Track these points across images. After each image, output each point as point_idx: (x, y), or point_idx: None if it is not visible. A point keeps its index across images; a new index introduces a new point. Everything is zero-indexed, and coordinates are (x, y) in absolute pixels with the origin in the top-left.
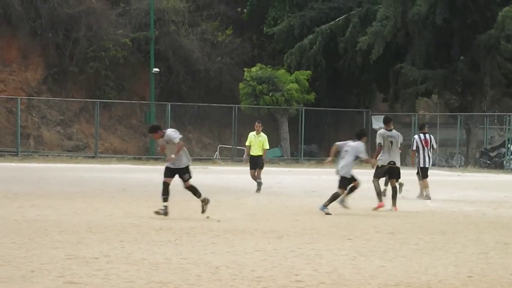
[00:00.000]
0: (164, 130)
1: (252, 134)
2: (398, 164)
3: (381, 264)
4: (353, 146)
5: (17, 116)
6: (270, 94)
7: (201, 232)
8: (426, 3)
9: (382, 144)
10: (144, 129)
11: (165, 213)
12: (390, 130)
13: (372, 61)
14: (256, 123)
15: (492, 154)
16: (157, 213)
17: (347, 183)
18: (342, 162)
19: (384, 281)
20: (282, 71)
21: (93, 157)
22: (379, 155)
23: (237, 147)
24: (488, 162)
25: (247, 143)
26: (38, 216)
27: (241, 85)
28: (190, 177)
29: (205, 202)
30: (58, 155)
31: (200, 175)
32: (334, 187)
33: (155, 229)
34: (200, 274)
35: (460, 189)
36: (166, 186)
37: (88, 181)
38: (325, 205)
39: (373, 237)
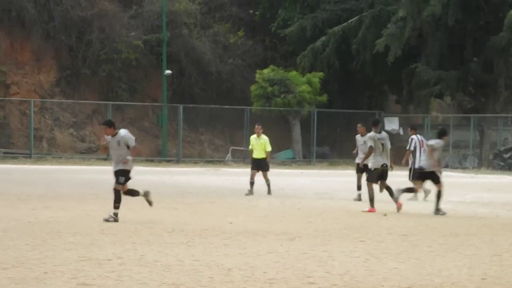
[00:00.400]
0: (117, 130)
1: (253, 137)
2: (389, 166)
3: (394, 266)
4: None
5: (31, 118)
6: (282, 96)
7: (213, 234)
8: (440, 3)
9: (374, 147)
10: (157, 131)
11: (115, 220)
12: (380, 132)
13: (387, 63)
14: (256, 126)
15: (506, 156)
16: (107, 220)
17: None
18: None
19: (397, 283)
20: (294, 72)
21: (105, 159)
22: (371, 158)
23: (249, 149)
24: (502, 163)
25: (249, 147)
26: (51, 218)
27: (253, 87)
28: (125, 182)
29: (147, 195)
30: (71, 157)
31: (212, 177)
32: (346, 189)
33: (167, 231)
34: (212, 276)
35: (473, 191)
36: (117, 193)
37: (101, 183)
38: (438, 209)
39: (386, 239)
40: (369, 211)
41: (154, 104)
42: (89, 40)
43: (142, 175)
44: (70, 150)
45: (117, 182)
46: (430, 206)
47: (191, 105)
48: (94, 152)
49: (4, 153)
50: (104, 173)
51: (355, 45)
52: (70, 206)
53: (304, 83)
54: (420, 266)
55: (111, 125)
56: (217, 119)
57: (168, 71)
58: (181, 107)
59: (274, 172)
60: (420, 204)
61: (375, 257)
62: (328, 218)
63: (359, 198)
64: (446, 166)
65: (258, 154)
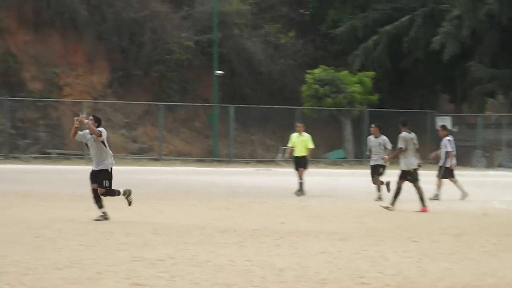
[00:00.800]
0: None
1: (294, 135)
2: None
3: (448, 266)
4: None
5: None
6: (333, 96)
7: (265, 234)
8: (497, 2)
9: (407, 148)
10: (208, 131)
11: (105, 218)
12: (410, 133)
13: (439, 61)
14: (298, 123)
15: None
16: (97, 220)
17: None
18: None
19: (451, 283)
20: (345, 72)
21: (157, 160)
22: (404, 159)
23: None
24: None
25: (289, 144)
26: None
27: (304, 87)
28: (110, 186)
29: (127, 194)
30: (123, 158)
31: (264, 177)
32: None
33: (219, 231)
34: (264, 276)
35: None
36: (95, 192)
37: (153, 183)
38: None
39: (439, 239)
40: (422, 211)
41: (205, 104)
42: (141, 41)
43: (193, 175)
44: (122, 151)
45: (102, 186)
46: (484, 205)
47: (242, 105)
48: (145, 152)
49: (58, 154)
50: (156, 174)
51: (407, 44)
52: (123, 207)
53: (355, 82)
54: (474, 266)
55: (98, 121)
56: (268, 119)
57: (219, 72)
58: (232, 107)
59: (325, 172)
60: (473, 203)
61: (428, 257)
62: (380, 218)
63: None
64: (500, 166)
65: (299, 151)
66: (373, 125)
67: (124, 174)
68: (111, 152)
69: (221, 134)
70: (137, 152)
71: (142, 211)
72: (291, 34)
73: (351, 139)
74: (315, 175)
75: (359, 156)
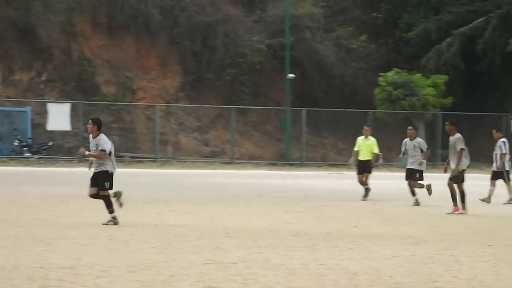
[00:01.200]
0: (100, 132)
1: (360, 138)
2: None
3: None
4: None
5: (156, 123)
6: (407, 99)
7: (338, 237)
8: None
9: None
10: (280, 135)
11: (115, 223)
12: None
13: None
14: (365, 127)
15: None
16: (106, 224)
17: None
18: None
19: None
20: (418, 75)
21: (229, 163)
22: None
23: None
24: None
25: (355, 148)
26: (176, 222)
27: (376, 90)
28: (110, 188)
29: (117, 196)
30: (195, 161)
31: (336, 180)
32: (474, 192)
33: (291, 234)
34: (337, 280)
35: None
36: (94, 197)
37: (225, 186)
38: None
39: None
40: (455, 210)
41: (277, 108)
42: (213, 45)
43: (265, 178)
44: (194, 154)
45: (103, 188)
46: None
47: (314, 109)
48: (217, 156)
49: (131, 157)
50: (228, 177)
51: (481, 45)
52: (195, 210)
53: (428, 85)
54: None
55: (99, 124)
56: (340, 123)
57: (291, 75)
58: (304, 110)
59: (398, 175)
60: None
61: (504, 262)
62: (455, 222)
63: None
64: None
65: (364, 155)
66: (410, 128)
67: (196, 177)
68: (115, 159)
69: (293, 137)
70: (209, 155)
71: (215, 214)
72: (363, 37)
73: None
74: (388, 179)
75: (432, 159)
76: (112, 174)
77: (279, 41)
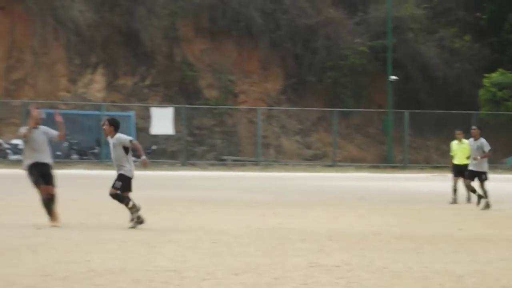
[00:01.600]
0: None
1: (454, 142)
2: None
3: None
4: None
5: (258, 126)
6: (511, 100)
7: (443, 240)
8: None
9: None
10: (382, 137)
11: (141, 222)
12: None
13: None
14: (456, 131)
15: None
16: (132, 227)
17: None
18: None
19: None
20: None
21: (331, 166)
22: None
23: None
24: None
25: (450, 153)
26: (279, 224)
27: (481, 91)
28: (121, 187)
29: (135, 209)
30: (297, 164)
31: (439, 183)
32: None
33: (395, 237)
34: (442, 283)
35: None
36: (117, 197)
37: (327, 189)
38: None
39: None
40: None
41: (379, 110)
42: (314, 47)
43: (368, 181)
44: (296, 157)
45: (113, 186)
46: None
47: (416, 111)
48: (319, 159)
49: (233, 160)
50: (331, 180)
51: None
52: (298, 213)
53: None
54: None
55: (116, 125)
56: (444, 124)
57: (393, 77)
58: (406, 112)
59: (503, 178)
60: None
61: None
62: None
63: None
64: None
65: (460, 160)
66: (474, 127)
67: (298, 180)
68: (132, 159)
69: (396, 139)
70: (310, 158)
71: (317, 217)
72: (467, 37)
73: None
74: (493, 181)
75: None
76: (129, 179)
77: (381, 43)
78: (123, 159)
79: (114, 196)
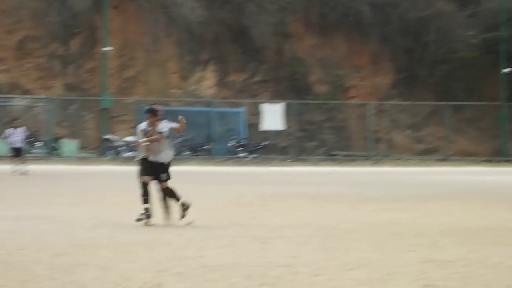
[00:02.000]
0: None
1: None
2: None
3: None
4: None
5: (369, 121)
6: None
7: None
8: None
9: None
10: (496, 130)
11: (147, 216)
12: None
13: None
14: None
15: None
16: (139, 220)
17: None
18: None
19: None
20: None
21: (443, 160)
22: None
23: None
24: None
25: None
26: (391, 219)
27: None
28: (168, 178)
29: (184, 206)
30: (409, 159)
31: None
32: None
33: (511, 232)
34: None
35: None
36: (145, 186)
37: (439, 183)
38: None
39: None
40: None
41: (492, 103)
42: (425, 41)
43: (481, 175)
44: (408, 152)
45: (162, 179)
46: None
47: None
48: (431, 153)
49: (344, 155)
50: (443, 174)
51: None
52: (410, 208)
53: None
54: None
55: (155, 113)
56: None
57: (507, 69)
58: None
59: None
60: None
61: None
62: None
63: None
64: None
65: None
66: None
67: (410, 175)
68: (172, 148)
69: (510, 133)
70: (422, 152)
71: (429, 211)
72: None
73: None
74: None
75: None
76: (168, 165)
77: (494, 35)
78: (161, 145)
79: (166, 191)
